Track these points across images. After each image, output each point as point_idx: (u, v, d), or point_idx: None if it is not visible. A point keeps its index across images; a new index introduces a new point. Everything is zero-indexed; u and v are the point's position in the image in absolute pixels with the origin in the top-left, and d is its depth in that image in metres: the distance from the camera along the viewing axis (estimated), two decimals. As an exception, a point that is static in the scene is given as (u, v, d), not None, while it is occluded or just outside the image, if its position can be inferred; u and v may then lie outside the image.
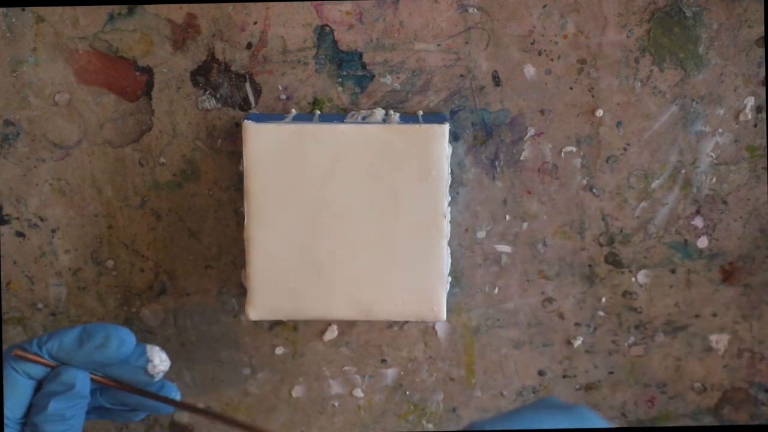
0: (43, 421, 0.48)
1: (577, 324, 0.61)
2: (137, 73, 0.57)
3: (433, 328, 0.61)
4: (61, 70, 0.57)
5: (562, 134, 0.58)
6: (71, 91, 0.57)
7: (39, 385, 0.50)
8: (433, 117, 0.57)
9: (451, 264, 0.58)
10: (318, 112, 0.57)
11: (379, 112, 0.56)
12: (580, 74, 0.57)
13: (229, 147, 0.58)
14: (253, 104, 0.58)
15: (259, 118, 0.55)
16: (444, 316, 0.56)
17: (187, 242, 0.60)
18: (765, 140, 0.58)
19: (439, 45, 0.57)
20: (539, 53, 0.57)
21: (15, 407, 0.49)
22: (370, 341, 0.62)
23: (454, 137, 0.58)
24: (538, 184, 0.59)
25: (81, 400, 0.49)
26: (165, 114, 0.58)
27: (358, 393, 0.62)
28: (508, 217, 0.59)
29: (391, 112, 0.57)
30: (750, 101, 0.58)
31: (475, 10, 0.56)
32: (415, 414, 0.63)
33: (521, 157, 0.58)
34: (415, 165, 0.54)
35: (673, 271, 0.60)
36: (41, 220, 0.59)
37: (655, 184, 0.59)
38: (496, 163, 0.59)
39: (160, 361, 0.50)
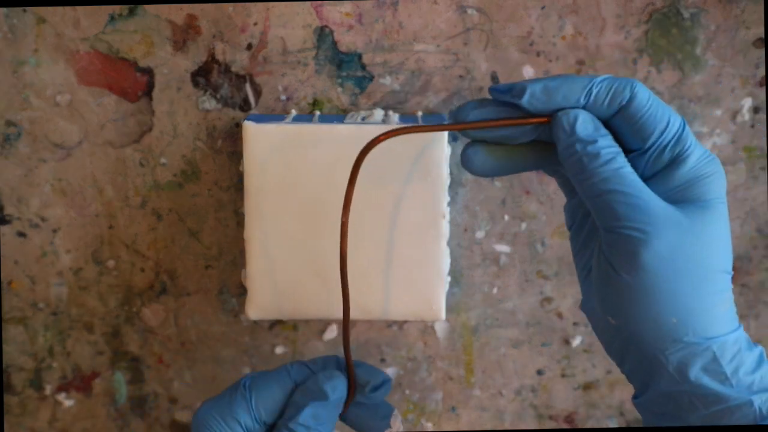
0: (296, 423, 0.49)
1: (575, 323, 0.61)
2: (138, 74, 0.58)
3: (433, 327, 0.62)
4: (62, 71, 0.57)
5: (560, 135, 0.58)
6: (72, 91, 0.58)
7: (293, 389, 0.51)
8: (433, 117, 0.57)
9: (451, 264, 0.59)
10: (318, 112, 0.57)
11: (379, 113, 0.57)
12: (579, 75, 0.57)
13: (229, 147, 0.59)
14: (253, 105, 0.58)
15: (259, 119, 0.55)
16: (443, 315, 0.56)
17: (187, 242, 0.60)
18: (762, 141, 0.58)
19: (438, 46, 0.57)
20: (538, 54, 0.57)
21: (271, 408, 0.50)
22: (369, 341, 0.62)
23: (453, 138, 0.58)
24: (537, 184, 0.59)
25: (336, 408, 0.50)
26: (165, 114, 0.58)
27: (358, 392, 0.62)
28: (506, 217, 0.60)
29: (391, 112, 0.57)
30: (747, 102, 0.58)
31: (474, 12, 0.57)
32: (415, 413, 0.63)
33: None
34: (414, 165, 0.54)
35: (670, 271, 0.60)
36: (42, 220, 0.59)
37: (653, 185, 0.59)
38: (495, 163, 0.59)
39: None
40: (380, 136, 0.46)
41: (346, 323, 0.50)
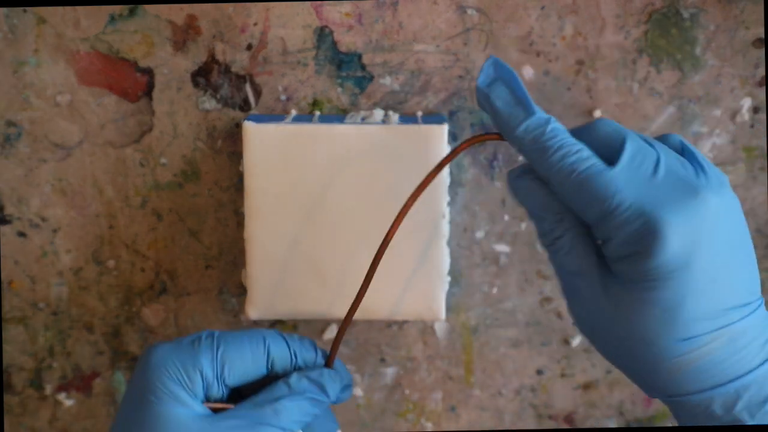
0: (288, 400, 0.45)
1: (575, 323, 0.61)
2: (138, 74, 0.58)
3: (432, 327, 0.62)
4: (63, 71, 0.57)
5: (560, 135, 0.58)
6: (72, 91, 0.58)
7: (272, 369, 0.46)
8: (432, 118, 0.57)
9: (450, 264, 0.59)
10: (318, 112, 0.57)
11: (379, 113, 0.57)
12: (578, 75, 0.58)
13: (229, 147, 0.59)
14: (253, 105, 0.58)
15: (259, 119, 0.55)
16: (443, 315, 0.56)
17: (187, 242, 0.60)
18: (761, 141, 0.58)
19: (438, 46, 0.57)
20: (537, 54, 0.57)
21: (237, 369, 0.44)
22: (369, 340, 0.62)
23: (453, 138, 0.59)
24: (537, 184, 0.59)
25: (327, 407, 0.47)
26: (166, 115, 0.58)
27: (358, 392, 0.63)
28: (506, 217, 0.60)
29: (391, 112, 0.57)
30: (747, 102, 0.58)
31: (474, 12, 0.57)
32: (414, 413, 0.63)
33: (519, 158, 0.59)
34: (414, 165, 0.54)
35: (670, 271, 0.60)
36: (43, 220, 0.60)
37: (652, 185, 0.59)
38: (495, 163, 0.59)
39: None
40: (463, 143, 0.46)
41: (349, 317, 0.49)
